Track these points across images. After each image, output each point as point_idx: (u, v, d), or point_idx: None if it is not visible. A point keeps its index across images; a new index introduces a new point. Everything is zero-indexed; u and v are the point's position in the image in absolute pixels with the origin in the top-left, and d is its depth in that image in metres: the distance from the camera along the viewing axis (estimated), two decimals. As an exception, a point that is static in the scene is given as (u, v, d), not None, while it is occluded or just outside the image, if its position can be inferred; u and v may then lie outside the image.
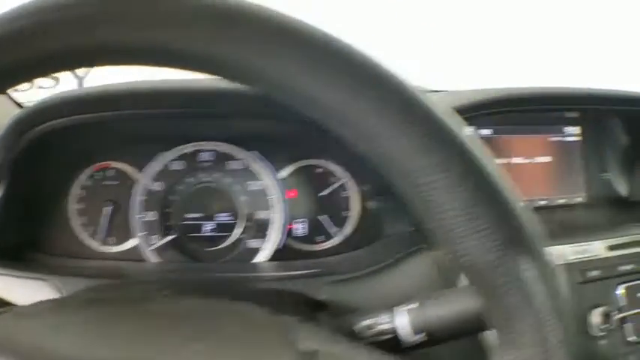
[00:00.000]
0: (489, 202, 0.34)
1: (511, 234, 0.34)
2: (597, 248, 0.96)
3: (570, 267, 0.94)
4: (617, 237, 1.01)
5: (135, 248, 0.98)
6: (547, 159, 1.22)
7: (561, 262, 0.94)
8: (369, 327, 0.56)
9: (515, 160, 1.20)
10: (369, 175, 1.03)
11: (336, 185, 1.07)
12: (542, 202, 1.21)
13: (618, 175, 1.28)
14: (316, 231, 1.06)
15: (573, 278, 0.94)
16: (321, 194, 1.07)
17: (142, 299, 0.52)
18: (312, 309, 0.73)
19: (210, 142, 1.01)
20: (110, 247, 1.00)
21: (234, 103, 0.81)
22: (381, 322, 0.56)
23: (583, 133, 1.26)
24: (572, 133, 1.26)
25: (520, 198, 0.38)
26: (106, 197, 0.99)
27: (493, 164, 0.36)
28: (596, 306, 0.94)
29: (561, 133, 1.25)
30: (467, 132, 0.35)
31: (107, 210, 0.99)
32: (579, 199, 1.24)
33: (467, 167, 0.33)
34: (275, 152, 1.03)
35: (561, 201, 1.22)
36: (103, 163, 1.00)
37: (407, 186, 0.33)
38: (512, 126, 1.22)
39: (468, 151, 0.34)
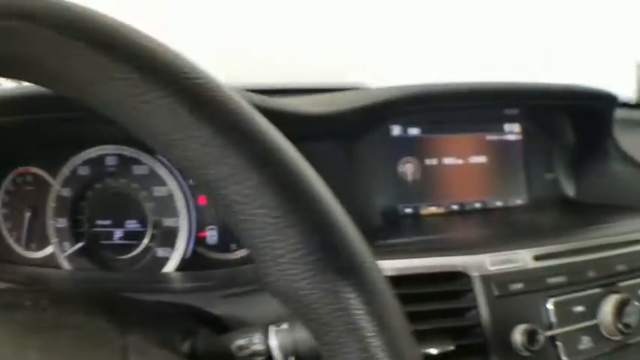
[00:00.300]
0: (300, 219, 0.30)
1: (329, 256, 0.30)
2: (522, 258, 0.83)
3: (489, 279, 0.82)
4: (551, 244, 0.88)
5: (52, 255, 0.93)
6: (482, 159, 1.07)
7: (476, 274, 0.82)
8: (242, 347, 0.53)
9: (447, 161, 1.06)
10: None
11: None
12: (478, 206, 1.07)
13: (564, 175, 1.15)
14: (229, 238, 0.96)
15: (492, 291, 0.81)
16: None
17: (9, 307, 0.50)
18: (196, 325, 0.65)
19: (115, 146, 0.92)
20: (33, 253, 0.94)
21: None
22: (255, 343, 0.52)
23: (523, 131, 1.12)
24: (512, 131, 1.11)
25: (341, 215, 0.33)
26: (26, 203, 0.94)
27: (305, 173, 0.33)
28: (521, 323, 0.80)
29: (501, 131, 1.11)
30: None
31: (27, 216, 0.93)
32: (519, 202, 1.10)
33: (272, 177, 0.30)
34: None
35: (499, 203, 1.08)
36: (23, 168, 0.94)
37: (210, 194, 0.30)
38: (444, 125, 1.09)
39: (272, 156, 0.31)
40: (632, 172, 1.08)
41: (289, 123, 0.83)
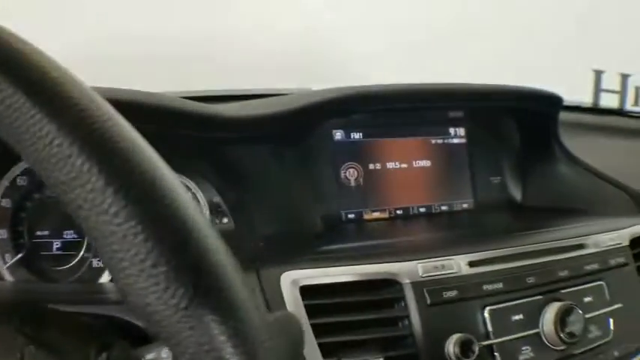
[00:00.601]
0: (145, 226, 0.25)
1: (195, 280, 0.26)
2: (457, 264, 0.78)
3: (421, 286, 0.76)
4: (489, 249, 0.83)
5: (-3, 266, 0.84)
6: (427, 163, 1.02)
7: (407, 281, 0.76)
8: (150, 362, 0.44)
9: (391, 165, 1.00)
10: (221, 186, 0.90)
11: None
12: (422, 210, 1.01)
13: (511, 179, 1.09)
14: None
15: (424, 299, 0.75)
16: None
17: None
18: (115, 338, 0.58)
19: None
20: (-21, 264, 0.85)
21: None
22: (163, 357, 0.50)
23: (469, 135, 1.06)
24: (457, 134, 1.06)
25: (198, 221, 0.29)
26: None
27: (153, 175, 0.27)
28: (456, 332, 0.74)
29: (446, 134, 1.05)
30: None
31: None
32: (465, 206, 1.04)
33: (113, 179, 0.26)
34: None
35: (444, 208, 1.03)
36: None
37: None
38: (388, 128, 1.03)
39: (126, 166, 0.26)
40: (579, 174, 1.03)
41: (213, 127, 0.82)
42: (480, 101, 1.00)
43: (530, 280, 0.79)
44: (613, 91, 1.37)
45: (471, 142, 1.09)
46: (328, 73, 1.44)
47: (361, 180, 1.00)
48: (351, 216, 0.99)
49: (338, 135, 1.01)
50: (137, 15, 1.32)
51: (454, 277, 0.78)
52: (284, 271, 0.71)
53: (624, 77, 1.38)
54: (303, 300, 0.66)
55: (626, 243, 0.89)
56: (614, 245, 0.87)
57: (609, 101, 1.48)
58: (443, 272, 0.77)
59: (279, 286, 0.67)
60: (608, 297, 0.84)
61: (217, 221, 0.91)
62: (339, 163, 1.01)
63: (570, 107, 1.27)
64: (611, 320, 0.83)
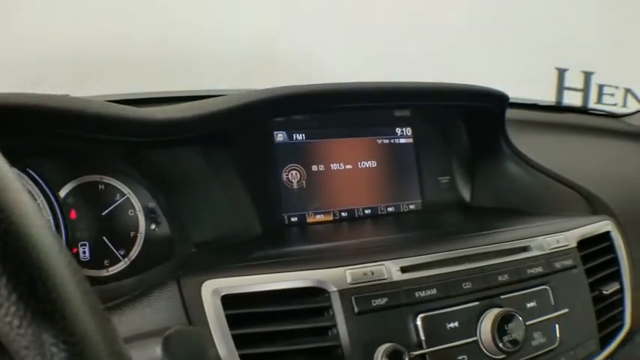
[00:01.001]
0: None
1: (27, 300, 0.25)
2: (388, 270, 0.73)
3: (349, 294, 0.70)
4: (424, 254, 0.77)
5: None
6: (373, 164, 0.95)
7: (334, 289, 0.70)
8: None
9: (335, 166, 0.93)
10: (155, 190, 0.84)
11: (118, 203, 0.85)
12: (368, 212, 0.95)
13: (460, 179, 1.03)
14: (102, 254, 0.84)
15: (352, 308, 0.70)
16: (104, 213, 0.85)
17: None
18: None
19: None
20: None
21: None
22: None
23: (416, 134, 1.00)
24: (404, 134, 0.99)
25: (56, 257, 0.28)
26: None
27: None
28: (386, 342, 0.69)
29: (392, 134, 0.99)
30: None
31: None
32: (413, 207, 0.98)
33: None
34: (52, 169, 0.82)
35: (391, 209, 0.96)
36: None
37: None
38: (332, 129, 0.96)
39: None
40: (529, 174, 0.97)
41: (140, 130, 0.76)
42: (425, 100, 0.93)
43: (467, 285, 0.74)
44: (576, 89, 1.31)
45: (418, 142, 1.03)
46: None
47: (304, 182, 0.94)
48: (293, 219, 0.93)
49: (280, 136, 0.94)
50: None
51: (384, 283, 0.72)
52: (205, 280, 0.66)
53: (587, 75, 1.32)
54: (224, 310, 0.62)
55: (574, 245, 0.83)
56: (560, 247, 0.81)
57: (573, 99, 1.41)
58: (372, 279, 0.72)
59: (199, 295, 0.63)
60: (553, 302, 0.78)
61: (153, 227, 0.85)
62: (280, 165, 0.94)
63: (528, 105, 1.20)
64: (557, 326, 0.77)
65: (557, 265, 0.79)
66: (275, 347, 0.66)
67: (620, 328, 0.88)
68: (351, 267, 0.71)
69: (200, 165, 0.84)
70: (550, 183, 0.96)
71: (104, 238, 0.83)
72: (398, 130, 1.02)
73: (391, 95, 0.90)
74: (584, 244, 0.85)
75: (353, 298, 0.69)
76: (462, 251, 0.76)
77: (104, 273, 0.83)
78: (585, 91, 1.31)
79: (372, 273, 0.71)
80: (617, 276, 0.89)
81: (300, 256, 0.74)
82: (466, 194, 1.04)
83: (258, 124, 0.92)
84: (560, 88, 1.28)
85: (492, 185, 1.01)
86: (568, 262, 0.80)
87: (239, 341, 0.61)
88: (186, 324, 0.64)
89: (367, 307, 0.70)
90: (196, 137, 0.81)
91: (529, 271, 0.77)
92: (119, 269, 0.83)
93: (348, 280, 0.70)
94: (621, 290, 0.89)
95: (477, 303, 0.74)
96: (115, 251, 0.83)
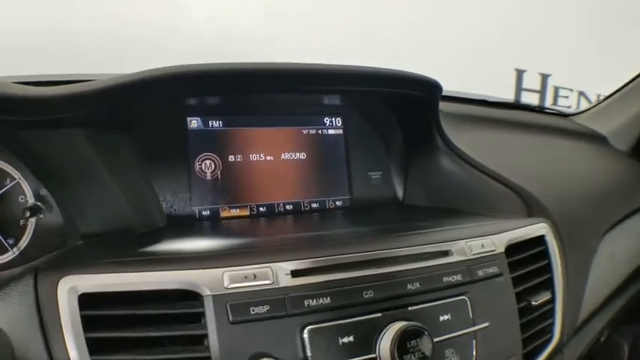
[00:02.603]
0: None
1: None
2: (274, 273, 0.58)
3: (224, 299, 0.55)
4: (320, 255, 0.62)
5: None
6: (298, 155, 0.77)
7: (209, 293, 0.55)
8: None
9: (255, 157, 0.76)
10: (45, 176, 0.70)
11: (7, 187, 0.72)
12: (289, 207, 0.77)
13: (392, 174, 0.85)
14: None
15: (225, 316, 0.55)
16: None
17: None
18: None
19: None
20: None
21: None
22: None
23: (346, 125, 0.82)
24: (333, 124, 0.82)
25: None
26: None
27: None
28: (265, 357, 0.54)
29: (320, 124, 0.81)
30: None
31: None
32: (339, 203, 0.80)
33: None
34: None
35: (315, 205, 0.79)
36: None
37: None
38: (253, 117, 0.80)
39: None
40: (464, 171, 0.80)
41: (7, 106, 0.61)
42: (354, 85, 0.75)
43: (369, 294, 0.59)
44: (533, 90, 1.16)
45: (348, 134, 0.86)
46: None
47: (219, 173, 0.78)
48: (205, 213, 0.77)
49: (194, 123, 0.78)
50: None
51: (267, 289, 0.57)
52: (64, 276, 0.52)
53: (544, 77, 1.18)
54: (81, 310, 0.51)
55: (501, 250, 0.67)
56: (485, 253, 0.65)
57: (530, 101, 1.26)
58: (254, 283, 0.57)
59: (55, 292, 0.51)
60: (471, 315, 0.62)
61: (42, 215, 0.71)
62: (193, 153, 0.78)
63: (473, 100, 1.03)
64: (474, 342, 0.62)
65: (480, 272, 0.64)
66: (134, 355, 0.52)
67: (549, 341, 0.73)
68: (230, 268, 0.56)
69: (89, 150, 0.69)
70: (486, 181, 0.79)
71: None
72: (326, 120, 0.85)
73: (316, 78, 0.73)
74: (514, 248, 0.69)
75: (228, 304, 0.54)
76: (369, 254, 0.60)
77: None
78: (542, 92, 1.15)
79: (255, 276, 0.56)
80: (548, 284, 0.74)
81: (183, 254, 0.60)
82: (399, 191, 0.87)
83: (169, 109, 0.75)
84: (519, 88, 1.12)
85: (426, 182, 0.84)
86: (492, 270, 0.64)
87: (94, 346, 0.50)
88: (36, 322, 0.52)
89: (244, 316, 0.55)
90: (85, 119, 0.67)
91: (445, 279, 0.61)
92: (8, 259, 0.70)
93: (225, 283, 0.55)
94: (552, 300, 0.73)
95: (378, 315, 0.59)
96: (3, 240, 0.70)
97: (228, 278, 0.54)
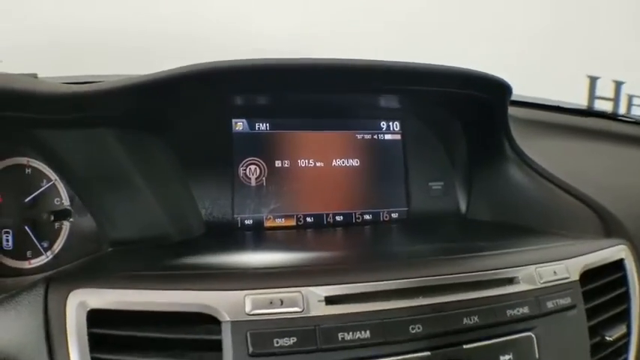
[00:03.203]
0: None
1: None
2: (307, 299, 0.49)
3: (244, 327, 0.46)
4: (366, 280, 0.51)
5: None
6: (351, 162, 0.68)
7: (228, 319, 0.46)
8: None
9: (302, 163, 0.67)
10: (80, 178, 0.64)
11: (43, 188, 0.67)
12: (340, 219, 0.67)
13: (454, 185, 0.73)
14: (24, 245, 0.67)
15: (244, 347, 0.45)
16: (27, 200, 0.67)
17: None
18: None
19: None
20: None
21: None
22: None
23: (404, 129, 0.72)
24: (391, 129, 0.71)
25: None
26: None
27: None
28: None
29: (377, 129, 0.71)
30: None
31: None
32: (395, 216, 0.69)
33: None
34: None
35: (368, 217, 0.69)
36: None
37: None
38: (303, 119, 0.70)
39: None
40: (534, 182, 0.67)
41: (38, 104, 0.57)
42: (412, 84, 0.64)
43: (417, 328, 0.49)
44: (606, 98, 1.02)
45: (407, 139, 0.75)
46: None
47: (264, 179, 0.69)
48: (248, 222, 0.68)
49: (239, 125, 0.69)
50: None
51: (296, 317, 0.47)
52: (75, 289, 0.46)
53: (618, 84, 1.03)
54: (90, 327, 0.44)
55: (576, 277, 0.54)
56: (557, 281, 0.52)
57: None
58: (280, 310, 0.47)
59: (64, 305, 0.45)
60: (537, 354, 0.50)
61: (76, 219, 0.66)
62: (237, 158, 0.70)
63: (547, 107, 0.89)
64: (541, 388, 0.46)
65: (550, 304, 0.51)
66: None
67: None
68: (254, 291, 0.47)
69: (119, 152, 0.63)
70: (558, 195, 0.67)
71: (26, 227, 0.66)
72: (383, 124, 0.74)
73: (374, 75, 0.62)
74: (589, 275, 0.56)
75: (248, 333, 0.46)
76: (419, 280, 0.49)
77: (26, 265, 0.66)
78: (615, 100, 1.01)
79: (282, 302, 0.47)
80: (625, 316, 0.60)
81: (206, 270, 0.52)
82: (462, 204, 0.75)
83: (213, 109, 0.67)
84: (592, 96, 0.99)
85: (492, 195, 0.72)
86: (565, 301, 0.52)
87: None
88: (42, 336, 0.45)
89: (266, 348, 0.46)
90: (116, 119, 0.61)
91: (509, 312, 0.49)
92: (41, 262, 0.66)
93: (247, 308, 0.47)
94: (628, 334, 0.60)
95: (427, 354, 0.48)
96: (37, 243, 0.66)
97: (250, 302, 0.46)
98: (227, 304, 0.46)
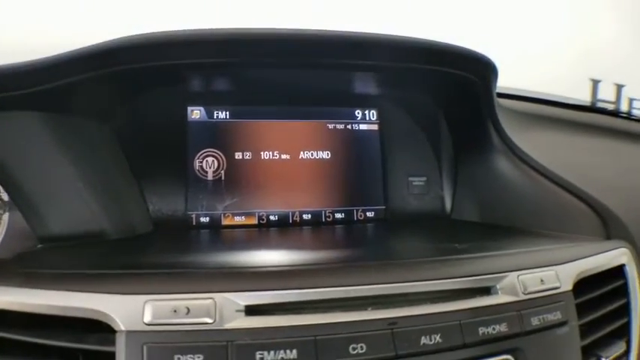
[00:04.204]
0: None
1: None
2: (220, 308, 0.38)
3: (141, 338, 0.36)
4: (296, 288, 0.40)
5: None
6: (321, 155, 0.56)
7: (123, 328, 0.36)
8: None
9: (266, 155, 0.56)
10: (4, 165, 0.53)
11: None
12: (306, 217, 0.56)
13: (438, 180, 0.61)
14: None
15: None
16: None
17: None
18: None
19: None
20: None
21: None
22: None
23: (382, 118, 0.60)
24: (367, 117, 0.60)
25: None
26: None
27: None
28: None
29: (350, 117, 0.60)
30: None
31: None
32: (371, 214, 0.58)
33: None
34: None
35: (339, 216, 0.57)
36: None
37: None
38: (266, 107, 0.58)
39: None
40: (526, 177, 0.55)
41: None
42: (384, 58, 0.52)
43: (358, 349, 0.37)
44: (607, 101, 0.93)
45: (385, 129, 0.63)
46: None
47: (222, 173, 0.58)
48: (203, 220, 0.57)
49: (196, 113, 0.58)
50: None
51: (205, 330, 0.37)
52: None
53: (619, 87, 0.94)
54: None
55: (568, 287, 0.42)
56: (545, 291, 0.39)
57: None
58: (186, 320, 0.37)
59: None
60: (518, 385, 0.35)
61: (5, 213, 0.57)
62: (192, 148, 0.58)
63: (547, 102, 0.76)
64: None
65: (535, 320, 0.39)
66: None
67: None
68: (156, 296, 0.37)
69: (47, 137, 0.54)
70: (553, 191, 0.54)
71: None
72: (358, 113, 0.63)
73: (340, 46, 0.50)
74: (583, 283, 0.42)
75: (145, 346, 0.35)
76: (368, 288, 0.37)
77: None
78: (617, 103, 0.96)
79: (188, 310, 0.37)
80: (624, 331, 0.48)
81: (131, 270, 0.42)
82: (446, 201, 0.63)
83: (167, 95, 0.58)
84: (594, 99, 0.89)
85: (480, 191, 0.60)
86: (554, 317, 0.40)
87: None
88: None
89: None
90: (40, 101, 0.51)
91: (482, 330, 0.38)
92: None
93: (146, 317, 0.37)
94: (627, 352, 0.48)
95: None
96: None
97: (150, 310, 0.34)
98: (124, 310, 0.36)
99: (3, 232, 0.58)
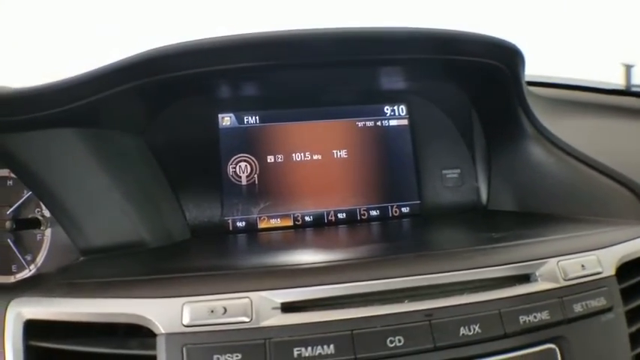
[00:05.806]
0: None
1: None
2: (257, 307, 0.38)
3: (180, 341, 0.36)
4: (331, 283, 0.40)
5: None
6: (354, 153, 0.58)
7: (163, 331, 0.37)
8: None
9: (297, 157, 0.57)
10: (32, 181, 0.55)
11: (23, 199, 0.61)
12: (342, 216, 0.56)
13: (473, 172, 0.60)
14: (8, 258, 0.61)
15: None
16: (8, 212, 0.61)
17: None
18: None
19: None
20: None
21: None
22: None
23: (411, 113, 0.60)
24: (396, 113, 0.60)
25: None
26: None
27: None
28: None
29: (379, 114, 0.60)
30: None
31: None
32: (406, 210, 0.58)
33: None
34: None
35: (375, 213, 0.57)
36: None
37: None
38: (295, 109, 0.58)
39: None
40: (561, 162, 0.53)
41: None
42: (404, 50, 0.52)
43: (396, 341, 0.37)
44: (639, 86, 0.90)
45: (415, 124, 0.62)
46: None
47: (256, 177, 0.59)
48: (240, 224, 0.58)
49: (227, 120, 0.59)
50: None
51: (242, 329, 0.37)
52: (14, 298, 0.40)
53: None
54: (29, 340, 0.38)
55: (611, 272, 0.40)
56: (587, 277, 0.37)
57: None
58: (223, 320, 0.37)
59: (4, 316, 0.39)
60: (563, 372, 0.34)
61: (42, 228, 0.61)
62: (225, 155, 0.58)
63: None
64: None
65: (578, 307, 0.37)
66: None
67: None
68: (193, 298, 0.38)
69: (84, 151, 0.55)
70: (589, 175, 0.51)
71: (8, 240, 0.60)
72: (387, 109, 0.62)
73: (371, 42, 0.50)
74: (626, 270, 0.42)
75: (184, 348, 0.36)
76: (404, 280, 0.38)
77: (11, 279, 0.60)
78: None
79: (225, 310, 0.37)
80: None
81: (169, 274, 0.42)
82: (482, 192, 0.61)
83: (197, 104, 0.60)
84: (628, 84, 0.85)
85: (514, 180, 0.59)
86: (598, 303, 0.38)
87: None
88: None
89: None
90: (75, 117, 0.52)
91: (523, 319, 0.36)
92: (25, 277, 0.59)
93: (185, 319, 0.37)
94: None
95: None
96: (20, 256, 0.60)
97: (188, 312, 0.34)
98: (162, 313, 0.36)
99: (47, 248, 0.60)
